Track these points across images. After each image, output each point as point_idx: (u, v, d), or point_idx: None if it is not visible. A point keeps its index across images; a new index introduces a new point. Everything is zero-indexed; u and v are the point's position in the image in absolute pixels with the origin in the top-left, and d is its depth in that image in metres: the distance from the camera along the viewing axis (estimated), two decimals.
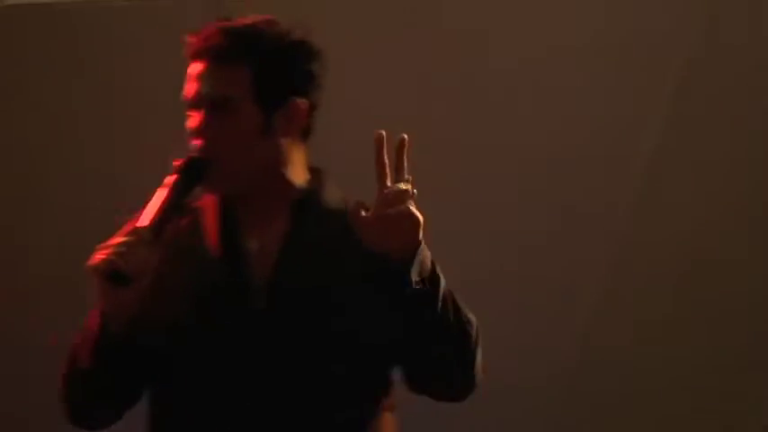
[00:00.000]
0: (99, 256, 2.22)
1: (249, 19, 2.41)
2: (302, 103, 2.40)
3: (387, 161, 2.19)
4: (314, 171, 2.47)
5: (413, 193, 2.20)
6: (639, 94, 3.94)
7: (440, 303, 2.26)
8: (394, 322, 2.31)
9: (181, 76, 2.43)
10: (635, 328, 4.00)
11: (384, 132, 2.17)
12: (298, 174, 2.44)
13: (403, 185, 2.20)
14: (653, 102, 3.94)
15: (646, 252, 3.98)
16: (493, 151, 3.96)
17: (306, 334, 2.36)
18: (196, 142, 2.36)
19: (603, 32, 3.95)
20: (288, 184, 2.44)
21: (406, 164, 2.21)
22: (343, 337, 2.39)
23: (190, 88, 2.37)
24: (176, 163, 2.34)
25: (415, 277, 2.21)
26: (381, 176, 2.20)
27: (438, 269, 2.25)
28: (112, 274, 2.21)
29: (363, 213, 2.20)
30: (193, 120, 2.37)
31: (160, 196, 2.29)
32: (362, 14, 4.07)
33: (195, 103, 2.36)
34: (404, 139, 2.21)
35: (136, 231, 2.24)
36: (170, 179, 2.31)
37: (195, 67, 2.36)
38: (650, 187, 3.97)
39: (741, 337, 3.99)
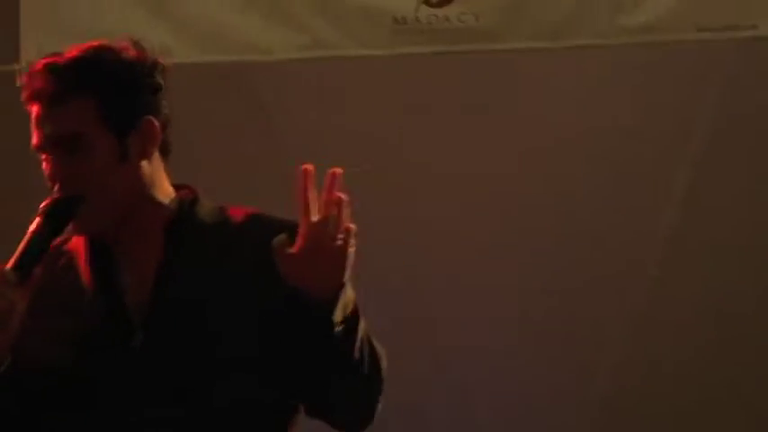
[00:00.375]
0: None
1: (75, 49, 2.31)
2: (154, 119, 2.32)
3: (313, 195, 2.10)
4: (181, 188, 2.39)
5: (343, 228, 2.10)
6: (663, 157, 4.06)
7: (357, 344, 2.20)
8: (290, 346, 2.24)
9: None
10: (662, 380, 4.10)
11: (311, 167, 2.08)
12: (165, 194, 2.36)
13: (332, 220, 2.10)
14: (678, 154, 4.05)
15: (670, 307, 4.08)
16: (526, 214, 4.08)
17: (187, 367, 2.27)
18: (55, 186, 2.27)
19: (624, 110, 4.08)
20: (157, 206, 2.35)
21: (336, 197, 2.09)
22: (230, 366, 2.29)
23: (35, 134, 2.28)
24: (42, 206, 2.26)
25: (337, 319, 2.15)
26: (305, 210, 2.11)
27: (358, 308, 2.19)
28: None
29: (286, 247, 2.11)
30: (48, 165, 2.28)
31: (27, 241, 2.22)
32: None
33: (44, 148, 2.27)
34: (335, 173, 2.09)
35: (5, 277, 2.15)
36: (36, 222, 2.23)
37: (34, 111, 2.27)
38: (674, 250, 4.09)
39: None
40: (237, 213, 2.41)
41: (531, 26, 4.23)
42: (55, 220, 2.25)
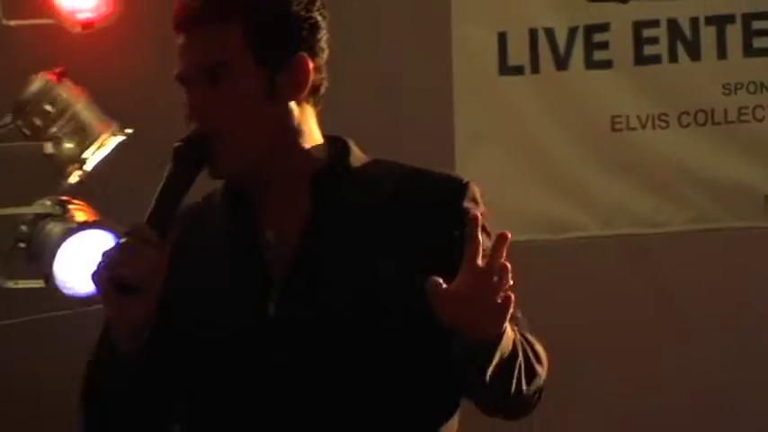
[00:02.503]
0: (100, 265, 2.07)
1: None
2: (308, 58, 2.17)
3: (480, 239, 1.98)
4: (332, 139, 2.23)
5: (507, 281, 1.99)
6: None
7: (513, 381, 2.08)
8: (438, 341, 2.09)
9: None
10: None
11: (479, 215, 2.02)
12: (314, 142, 2.21)
13: (498, 272, 1.98)
14: None
15: None
16: None
17: (332, 340, 2.13)
18: (193, 120, 2.15)
19: None
20: (304, 155, 2.20)
21: (503, 254, 1.99)
22: (380, 339, 2.14)
23: (179, 64, 2.16)
24: (175, 146, 2.15)
25: (489, 371, 2.02)
26: (472, 253, 1.98)
27: (517, 343, 2.07)
28: (117, 285, 2.05)
29: (442, 286, 1.98)
30: (188, 97, 2.16)
31: (161, 190, 2.12)
32: None
33: (186, 78, 2.15)
34: (505, 236, 1.98)
35: (137, 233, 2.06)
36: (169, 166, 2.13)
37: (179, 39, 2.14)
38: None
39: None
40: (394, 167, 2.28)
41: None
42: (189, 162, 2.13)
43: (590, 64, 4.84)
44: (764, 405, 4.75)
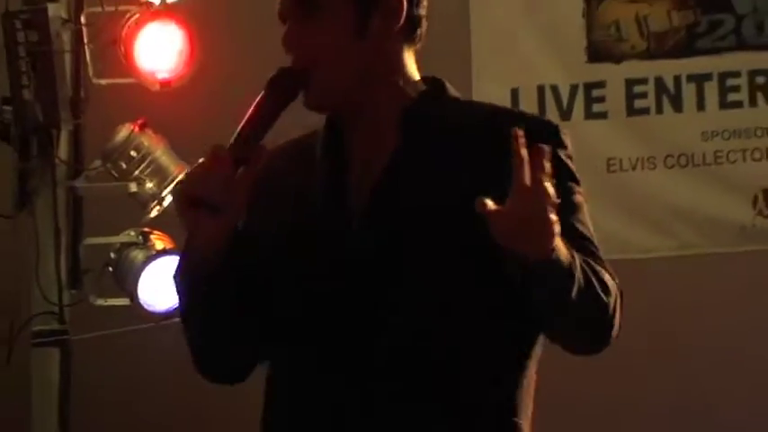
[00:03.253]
0: (184, 181, 2.09)
1: None
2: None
3: (526, 156, 1.95)
4: (429, 78, 2.23)
5: (555, 198, 1.96)
6: None
7: (575, 290, 2.03)
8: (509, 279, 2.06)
9: None
10: None
11: (521, 131, 1.96)
12: (407, 80, 2.20)
13: (545, 186, 1.95)
14: None
15: None
16: None
17: (405, 267, 2.12)
18: (289, 53, 2.17)
19: None
20: (397, 93, 2.19)
21: (547, 167, 1.95)
22: (452, 265, 2.12)
23: (280, 2, 2.19)
24: (270, 77, 2.16)
25: (550, 285, 2.01)
26: (519, 170, 1.96)
27: (575, 258, 2.02)
28: (191, 201, 2.05)
29: (492, 205, 1.96)
30: (285, 31, 2.18)
31: (248, 117, 2.12)
32: None
33: (284, 12, 2.18)
34: (542, 148, 1.95)
35: (213, 154, 2.05)
36: (261, 94, 2.14)
37: None
38: None
39: None
40: (486, 106, 2.29)
41: None
42: (281, 91, 2.13)
43: (589, 115, 5.27)
44: (750, 418, 5.03)
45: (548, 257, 1.97)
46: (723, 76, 5.18)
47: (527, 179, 1.94)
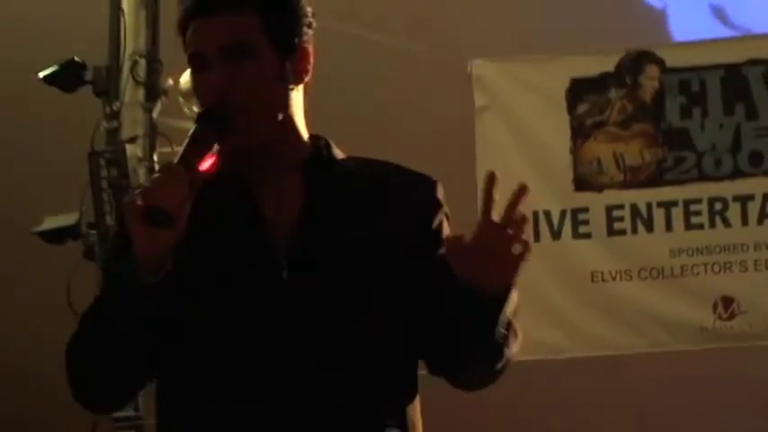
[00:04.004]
0: (137, 195, 2.06)
1: None
2: (309, 48, 2.25)
3: (496, 197, 2.03)
4: (314, 135, 2.31)
5: (522, 239, 2.04)
6: None
7: (510, 337, 2.14)
8: (427, 295, 2.17)
9: None
10: None
11: (495, 174, 2.05)
12: (304, 130, 2.28)
13: (514, 225, 2.04)
14: None
15: None
16: None
17: (332, 303, 2.18)
18: (217, 95, 2.19)
19: None
20: (299, 140, 2.27)
21: (518, 206, 2.04)
22: (371, 306, 2.21)
23: (203, 43, 2.20)
24: (199, 113, 2.21)
25: (503, 321, 2.10)
26: (487, 208, 2.04)
27: (515, 307, 2.11)
28: (152, 213, 2.05)
29: (461, 240, 2.05)
30: (208, 76, 2.20)
31: (187, 144, 2.15)
32: None
33: (212, 56, 2.19)
34: (524, 188, 2.05)
35: (168, 169, 2.09)
36: (194, 129, 2.17)
37: (204, 22, 2.20)
38: None
39: None
40: (370, 161, 2.35)
41: None
42: (211, 126, 2.17)
43: (576, 235, 5.70)
44: None
45: (508, 288, 2.10)
46: (687, 203, 5.66)
47: (494, 216, 2.04)
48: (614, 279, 5.70)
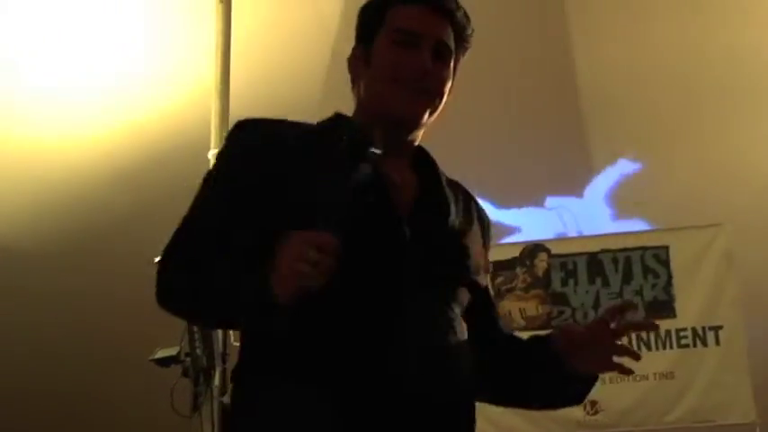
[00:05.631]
0: (300, 270, 2.06)
1: None
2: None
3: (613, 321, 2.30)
4: None
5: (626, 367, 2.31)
6: None
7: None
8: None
9: None
10: None
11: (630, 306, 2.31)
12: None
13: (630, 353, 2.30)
14: None
15: None
16: None
17: (443, 260, 2.37)
18: (424, 74, 2.41)
19: None
20: (418, 138, 2.48)
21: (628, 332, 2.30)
22: (470, 279, 2.42)
23: (425, 27, 2.40)
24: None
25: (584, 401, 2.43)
26: (611, 316, 2.32)
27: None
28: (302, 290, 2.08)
29: (576, 331, 2.32)
30: (417, 55, 2.40)
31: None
32: None
33: (427, 41, 2.40)
34: (654, 325, 2.33)
35: (328, 248, 2.08)
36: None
37: (427, 15, 2.42)
38: None
39: None
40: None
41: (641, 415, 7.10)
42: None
43: None
44: None
45: (594, 380, 2.40)
46: None
47: (613, 331, 2.30)
48: None
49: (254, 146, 2.30)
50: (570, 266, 7.75)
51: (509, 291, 7.73)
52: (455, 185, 2.54)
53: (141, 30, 6.91)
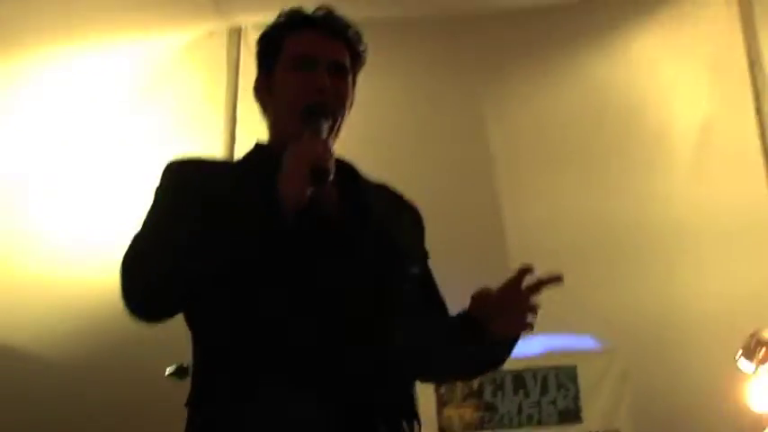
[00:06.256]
0: (315, 151, 2.28)
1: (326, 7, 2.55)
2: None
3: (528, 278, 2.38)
4: None
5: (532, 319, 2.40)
6: None
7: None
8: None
9: None
10: None
11: (530, 267, 2.39)
12: None
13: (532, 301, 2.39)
14: None
15: None
16: None
17: (384, 262, 2.48)
18: (321, 94, 2.53)
19: None
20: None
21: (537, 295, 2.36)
22: (405, 272, 2.57)
23: (313, 51, 2.52)
24: (308, 103, 2.50)
25: (505, 357, 2.56)
26: (519, 277, 2.42)
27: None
28: (316, 172, 2.28)
29: (489, 293, 2.40)
30: (314, 75, 2.52)
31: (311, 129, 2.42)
32: None
33: (322, 62, 2.53)
34: (560, 278, 2.38)
35: (315, 135, 2.36)
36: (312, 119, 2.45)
37: (317, 39, 2.55)
38: None
39: None
40: (368, 178, 2.72)
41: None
42: (327, 118, 2.50)
43: None
44: None
45: (514, 340, 2.57)
46: None
47: (523, 285, 2.43)
48: None
49: (188, 175, 2.46)
50: (499, 381, 9.04)
51: (450, 400, 8.99)
52: (382, 187, 2.73)
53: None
